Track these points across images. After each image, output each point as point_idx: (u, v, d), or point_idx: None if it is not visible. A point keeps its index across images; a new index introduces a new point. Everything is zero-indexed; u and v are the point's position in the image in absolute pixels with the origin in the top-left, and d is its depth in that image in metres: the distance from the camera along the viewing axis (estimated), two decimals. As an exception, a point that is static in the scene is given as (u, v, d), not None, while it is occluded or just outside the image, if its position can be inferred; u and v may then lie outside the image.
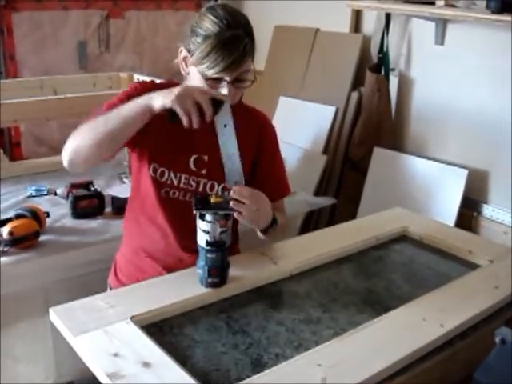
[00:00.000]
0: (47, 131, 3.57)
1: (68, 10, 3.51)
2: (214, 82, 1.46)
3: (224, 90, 1.46)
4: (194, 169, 1.59)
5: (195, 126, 1.36)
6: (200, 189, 1.59)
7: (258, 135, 1.65)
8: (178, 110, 1.34)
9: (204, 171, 1.59)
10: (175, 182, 1.58)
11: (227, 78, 1.45)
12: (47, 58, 3.50)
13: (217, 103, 1.41)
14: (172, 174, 1.57)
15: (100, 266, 2.06)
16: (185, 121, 1.35)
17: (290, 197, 2.43)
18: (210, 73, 1.44)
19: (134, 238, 1.69)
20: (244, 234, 1.76)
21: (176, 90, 1.36)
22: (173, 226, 1.60)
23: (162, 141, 1.56)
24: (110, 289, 1.72)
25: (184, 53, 1.51)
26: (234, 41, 1.42)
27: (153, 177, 1.57)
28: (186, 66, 1.52)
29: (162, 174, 1.57)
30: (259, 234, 1.61)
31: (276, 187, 1.70)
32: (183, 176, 1.58)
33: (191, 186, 1.59)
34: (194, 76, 1.49)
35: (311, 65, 3.40)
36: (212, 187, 1.60)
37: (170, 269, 1.60)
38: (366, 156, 3.09)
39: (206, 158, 1.59)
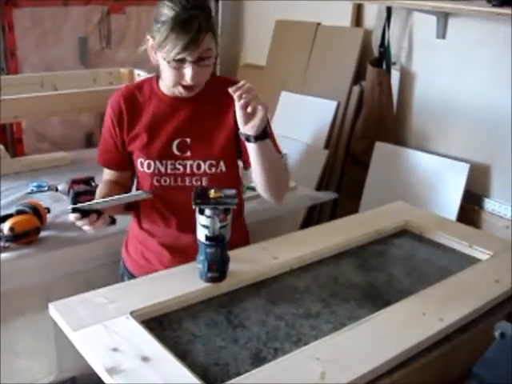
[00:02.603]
0: (49, 127, 3.57)
1: (69, 6, 3.50)
2: (178, 63, 1.51)
3: (188, 70, 1.51)
4: (178, 153, 1.65)
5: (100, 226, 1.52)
6: (188, 171, 1.64)
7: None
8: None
9: (188, 153, 1.64)
10: (162, 170, 1.65)
11: (189, 58, 1.49)
12: (48, 54, 3.49)
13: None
14: (158, 163, 1.65)
15: (101, 261, 2.07)
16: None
17: (291, 191, 2.44)
18: (171, 56, 1.49)
19: (139, 216, 1.77)
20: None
21: None
22: (170, 211, 1.69)
23: (144, 137, 1.65)
24: (122, 260, 1.84)
25: (151, 41, 1.55)
26: (188, 20, 1.46)
27: (141, 170, 1.67)
28: (155, 53, 1.56)
29: (149, 165, 1.65)
30: (257, 149, 1.51)
31: None
32: (169, 162, 1.65)
33: (178, 169, 1.65)
34: (162, 62, 1.55)
35: (312, 59, 3.39)
36: (199, 167, 1.64)
37: (167, 246, 1.72)
38: (367, 150, 3.08)
39: (188, 139, 1.64)
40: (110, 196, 1.57)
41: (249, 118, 1.45)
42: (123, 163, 1.73)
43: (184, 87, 1.57)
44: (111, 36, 3.73)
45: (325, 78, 3.30)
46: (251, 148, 1.53)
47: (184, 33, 1.45)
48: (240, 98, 1.42)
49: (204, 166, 1.64)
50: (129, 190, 1.76)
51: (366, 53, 3.15)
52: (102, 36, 3.70)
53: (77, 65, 3.60)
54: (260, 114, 1.43)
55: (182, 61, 1.50)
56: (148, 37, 1.55)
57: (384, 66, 3.02)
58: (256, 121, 1.45)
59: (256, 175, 1.60)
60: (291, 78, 3.46)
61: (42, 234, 2.05)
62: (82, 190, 2.27)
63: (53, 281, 1.99)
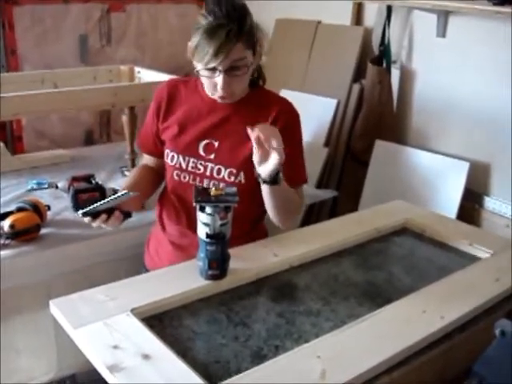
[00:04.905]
0: (49, 125, 3.56)
1: (69, 4, 3.50)
2: (210, 72, 1.53)
3: (218, 79, 1.52)
4: (203, 153, 1.66)
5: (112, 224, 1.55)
6: (207, 173, 1.65)
7: (272, 119, 1.63)
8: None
9: (212, 156, 1.65)
10: (183, 166, 1.67)
11: (220, 67, 1.50)
12: (48, 51, 3.49)
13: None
14: (181, 158, 1.67)
15: (101, 258, 2.08)
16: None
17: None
18: (201, 65, 1.51)
19: (161, 208, 1.81)
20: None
21: None
22: (184, 208, 1.71)
23: (175, 129, 1.68)
24: (143, 256, 1.89)
25: (188, 48, 1.56)
26: (216, 29, 1.46)
27: (166, 161, 1.71)
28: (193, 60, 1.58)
29: (172, 158, 1.68)
30: (268, 190, 1.55)
31: (290, 174, 1.61)
32: (191, 160, 1.66)
33: (199, 169, 1.66)
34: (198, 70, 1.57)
35: (313, 57, 3.39)
36: (219, 172, 1.64)
37: (175, 243, 1.75)
38: (367, 149, 3.08)
39: (216, 143, 1.65)
40: (136, 178, 1.73)
41: (262, 160, 1.45)
42: (157, 150, 1.77)
43: (220, 96, 1.58)
44: (111, 34, 3.73)
45: (325, 76, 3.29)
46: (262, 186, 1.55)
47: (211, 41, 1.46)
48: (257, 139, 1.42)
49: (224, 173, 1.64)
50: (162, 177, 1.80)
51: (367, 51, 3.15)
52: (102, 34, 3.69)
53: (77, 62, 3.59)
54: (274, 160, 1.43)
55: (213, 70, 1.51)
56: (189, 43, 1.55)
57: (384, 65, 3.01)
58: (269, 166, 1.45)
59: (265, 203, 1.62)
60: (291, 77, 3.46)
61: (43, 231, 2.05)
62: (82, 188, 2.27)
63: (53, 278, 1.99)
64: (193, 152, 1.66)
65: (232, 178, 1.63)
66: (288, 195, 1.61)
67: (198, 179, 1.66)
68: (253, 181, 1.60)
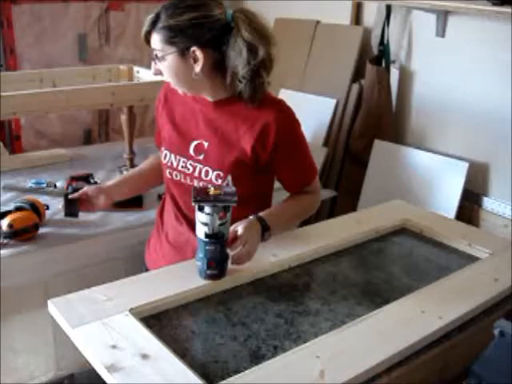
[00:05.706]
0: (47, 124, 3.56)
1: (68, 3, 3.50)
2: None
3: None
4: (193, 154, 1.66)
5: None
6: (196, 173, 1.65)
7: (265, 122, 1.58)
8: None
9: (201, 157, 1.65)
10: (174, 164, 1.68)
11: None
12: (47, 50, 3.49)
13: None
14: (172, 157, 1.69)
15: (100, 258, 2.07)
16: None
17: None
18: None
19: (162, 203, 1.83)
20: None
21: None
22: (177, 206, 1.72)
23: (169, 128, 1.71)
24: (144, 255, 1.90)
25: None
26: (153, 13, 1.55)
27: (161, 159, 1.73)
28: None
29: (165, 156, 1.70)
30: None
31: (297, 177, 1.72)
32: (181, 159, 1.67)
33: (188, 169, 1.66)
34: None
35: (312, 57, 3.39)
36: (207, 173, 1.63)
37: (171, 241, 1.75)
38: (366, 148, 3.08)
39: (206, 143, 1.65)
40: (142, 168, 1.93)
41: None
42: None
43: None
44: (110, 33, 3.73)
45: (324, 75, 3.30)
46: None
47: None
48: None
49: (211, 175, 1.62)
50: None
51: (366, 51, 3.16)
52: (100, 33, 3.70)
53: (76, 61, 3.59)
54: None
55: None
56: None
57: (383, 64, 3.02)
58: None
59: None
60: (290, 76, 3.46)
61: (41, 230, 2.04)
62: (80, 187, 2.27)
63: (51, 278, 1.99)
64: (184, 152, 1.66)
65: (219, 181, 1.60)
66: (293, 216, 1.75)
67: (188, 178, 1.66)
68: (243, 185, 1.57)
